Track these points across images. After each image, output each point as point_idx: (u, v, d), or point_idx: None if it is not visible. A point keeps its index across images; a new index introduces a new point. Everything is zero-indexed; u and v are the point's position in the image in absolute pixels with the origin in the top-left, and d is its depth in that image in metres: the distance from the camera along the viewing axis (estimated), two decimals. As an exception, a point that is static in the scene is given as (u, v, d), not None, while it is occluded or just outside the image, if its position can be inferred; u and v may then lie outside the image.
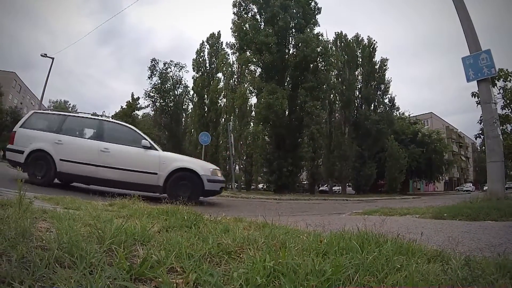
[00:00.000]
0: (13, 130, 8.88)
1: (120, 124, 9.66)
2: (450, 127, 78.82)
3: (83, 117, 9.84)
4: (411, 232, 3.45)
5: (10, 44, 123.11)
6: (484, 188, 40.41)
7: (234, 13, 32.30)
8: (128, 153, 8.51)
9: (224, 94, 41.40)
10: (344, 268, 1.67)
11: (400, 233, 2.62)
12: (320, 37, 31.19)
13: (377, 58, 41.38)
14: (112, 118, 10.21)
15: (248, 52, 30.95)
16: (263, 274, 1.54)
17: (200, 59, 43.27)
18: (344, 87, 38.78)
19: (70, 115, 9.66)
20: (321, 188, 47.65)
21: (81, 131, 9.17)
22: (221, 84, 41.91)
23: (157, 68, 42.84)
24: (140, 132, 9.16)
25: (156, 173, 8.25)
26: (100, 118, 9.82)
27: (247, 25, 30.79)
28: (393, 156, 36.91)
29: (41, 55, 29.98)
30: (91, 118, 9.78)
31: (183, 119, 47.10)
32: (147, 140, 8.74)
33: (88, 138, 8.91)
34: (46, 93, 31.70)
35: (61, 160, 8.26)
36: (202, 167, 8.78)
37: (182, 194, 7.48)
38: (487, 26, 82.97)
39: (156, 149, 8.77)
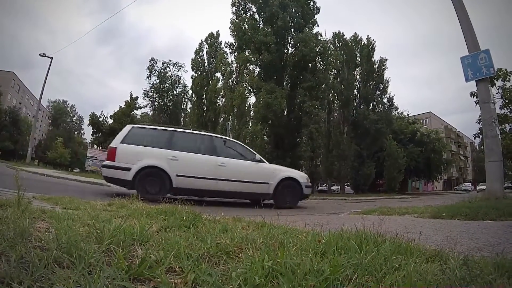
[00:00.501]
0: (111, 145, 8.65)
1: (230, 140, 10.44)
2: (449, 126, 78.95)
3: (189, 132, 9.99)
4: (409, 231, 3.46)
5: (9, 43, 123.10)
6: (478, 188, 40.37)
7: (232, 12, 32.30)
8: (243, 166, 9.24)
9: (222, 94, 41.38)
10: (342, 267, 1.68)
11: (398, 233, 2.62)
12: (319, 36, 31.21)
13: (376, 57, 41.43)
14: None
15: (247, 52, 30.94)
16: (261, 274, 1.55)
17: (199, 59, 43.25)
18: (342, 86, 38.74)
19: (177, 131, 9.72)
20: (319, 188, 47.61)
21: (192, 146, 9.21)
22: (220, 83, 41.92)
23: (156, 67, 42.86)
24: (247, 147, 10.20)
25: (267, 183, 9.15)
26: (209, 134, 10.41)
27: (245, 25, 30.77)
28: (392, 155, 36.88)
29: (40, 55, 29.90)
30: (199, 133, 10.05)
31: (182, 118, 47.00)
32: (256, 154, 9.79)
33: (202, 154, 9.08)
34: (45, 92, 31.80)
35: (177, 175, 8.37)
36: (300, 175, 10.03)
37: (290, 200, 9.15)
38: (486, 26, 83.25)
39: (265, 162, 9.78)
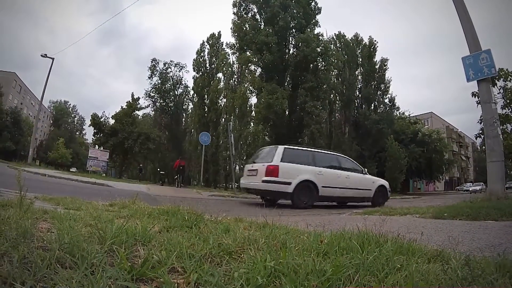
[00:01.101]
0: (273, 164, 10.15)
1: (347, 158, 12.77)
2: (450, 126, 78.81)
3: (325, 152, 12.55)
4: (411, 232, 3.45)
5: (10, 44, 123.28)
6: (471, 189, 39.97)
7: (234, 13, 32.37)
8: (358, 177, 11.76)
9: (224, 94, 41.44)
10: (344, 268, 1.68)
11: (400, 233, 2.62)
12: (320, 37, 31.23)
13: (377, 58, 41.46)
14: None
15: (248, 52, 30.93)
16: (263, 274, 1.55)
17: (201, 59, 43.30)
18: (344, 87, 38.77)
19: (316, 151, 11.85)
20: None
21: (328, 163, 11.49)
22: (221, 84, 41.99)
23: (158, 68, 42.89)
24: (356, 162, 12.91)
25: (370, 189, 11.84)
26: (336, 153, 12.98)
27: (247, 25, 30.81)
28: (393, 156, 36.84)
29: (41, 56, 29.90)
30: (330, 153, 12.74)
31: (183, 119, 47.13)
32: (363, 168, 12.56)
33: (335, 169, 11.43)
34: (46, 93, 31.79)
35: (323, 187, 10.47)
36: (386, 183, 12.61)
37: (381, 201, 11.78)
38: (487, 25, 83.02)
39: (367, 174, 12.54)
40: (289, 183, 9.85)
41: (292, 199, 9.90)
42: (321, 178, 10.53)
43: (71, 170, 51.16)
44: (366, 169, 12.61)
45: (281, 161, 10.14)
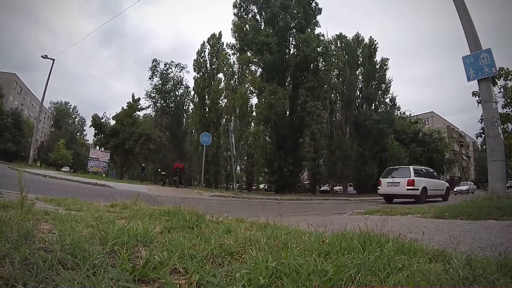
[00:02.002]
0: (411, 178, 15.37)
1: (433, 171, 19.30)
2: (451, 126, 78.70)
3: (426, 168, 18.63)
4: (412, 231, 3.45)
5: (10, 45, 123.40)
6: (456, 189, 38.87)
7: (234, 14, 32.34)
8: (439, 183, 18.09)
9: (225, 95, 41.34)
10: (346, 268, 1.68)
11: (401, 233, 2.63)
12: (321, 37, 31.21)
13: (378, 57, 41.39)
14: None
15: (248, 53, 30.91)
16: (265, 275, 1.55)
17: (201, 60, 43.20)
18: (344, 87, 38.72)
19: (423, 168, 18.27)
20: (322, 188, 47.53)
21: (428, 175, 17.19)
22: (222, 84, 41.89)
23: (158, 68, 42.71)
24: (435, 172, 19.93)
25: (443, 190, 17.42)
26: (429, 169, 18.96)
27: (247, 26, 30.81)
28: (394, 155, 36.80)
29: (42, 57, 29.89)
30: (428, 169, 18.70)
31: (184, 119, 47.01)
32: (433, 172, 19.11)
33: (432, 178, 17.14)
34: (47, 94, 31.91)
35: (429, 189, 15.82)
36: (448, 185, 18.88)
37: (446, 196, 17.22)
38: (488, 25, 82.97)
39: (442, 180, 19.69)
40: (418, 189, 15.17)
41: (417, 198, 14.98)
42: (429, 184, 16.01)
43: (62, 169, 51.18)
44: (441, 175, 18.26)
45: (414, 176, 15.51)
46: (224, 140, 37.87)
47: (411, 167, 16.61)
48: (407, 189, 15.10)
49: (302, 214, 7.73)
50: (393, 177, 16.61)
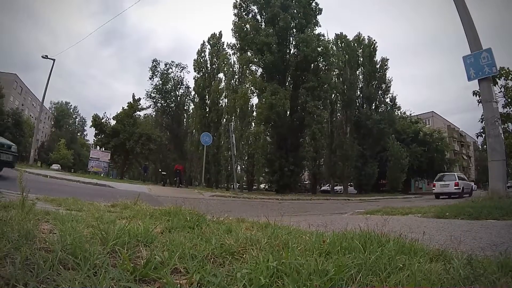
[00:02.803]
0: (456, 181, 21.60)
1: (463, 174, 25.61)
2: (451, 126, 78.63)
3: (459, 173, 25.75)
4: (413, 231, 3.45)
5: (11, 45, 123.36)
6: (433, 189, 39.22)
7: (234, 14, 32.30)
8: (467, 182, 23.87)
9: (225, 95, 41.33)
10: (346, 267, 1.68)
11: (402, 233, 2.63)
12: (321, 37, 31.16)
13: (378, 57, 41.36)
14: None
15: (249, 53, 30.84)
16: (266, 274, 1.55)
17: (201, 60, 43.16)
18: (345, 86, 38.67)
19: (458, 174, 24.62)
20: (322, 188, 47.55)
21: (461, 178, 23.01)
22: (222, 84, 41.86)
23: (159, 69, 42.66)
24: (458, 175, 24.80)
25: (469, 188, 22.82)
26: (461, 174, 25.66)
27: (247, 26, 30.74)
28: (395, 155, 36.85)
29: (42, 57, 29.91)
30: (461, 173, 25.21)
31: (185, 119, 47.01)
32: (464, 176, 26.20)
33: (464, 180, 23.22)
34: (47, 94, 31.89)
35: (463, 188, 21.06)
36: (472, 183, 27.42)
37: (471, 194, 20.94)
38: (488, 24, 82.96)
39: (467, 179, 25.82)
40: (460, 188, 20.79)
41: (460, 195, 19.81)
42: (464, 185, 21.56)
43: (52, 167, 51.13)
44: (466, 176, 21.73)
45: (458, 180, 21.62)
46: (224, 140, 37.92)
47: (455, 174, 24.31)
48: (455, 189, 21.19)
49: (302, 214, 7.73)
50: (444, 181, 22.79)
